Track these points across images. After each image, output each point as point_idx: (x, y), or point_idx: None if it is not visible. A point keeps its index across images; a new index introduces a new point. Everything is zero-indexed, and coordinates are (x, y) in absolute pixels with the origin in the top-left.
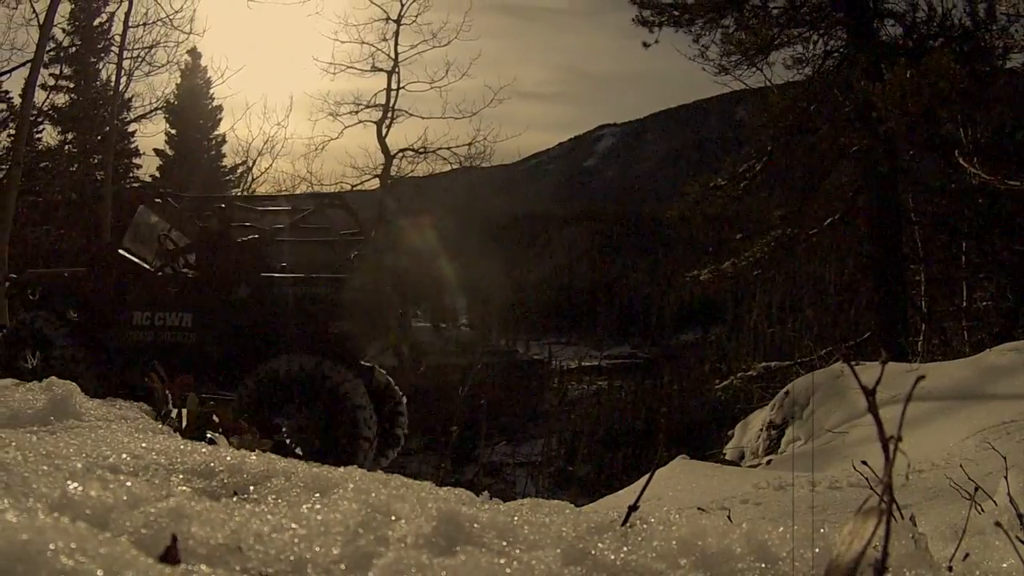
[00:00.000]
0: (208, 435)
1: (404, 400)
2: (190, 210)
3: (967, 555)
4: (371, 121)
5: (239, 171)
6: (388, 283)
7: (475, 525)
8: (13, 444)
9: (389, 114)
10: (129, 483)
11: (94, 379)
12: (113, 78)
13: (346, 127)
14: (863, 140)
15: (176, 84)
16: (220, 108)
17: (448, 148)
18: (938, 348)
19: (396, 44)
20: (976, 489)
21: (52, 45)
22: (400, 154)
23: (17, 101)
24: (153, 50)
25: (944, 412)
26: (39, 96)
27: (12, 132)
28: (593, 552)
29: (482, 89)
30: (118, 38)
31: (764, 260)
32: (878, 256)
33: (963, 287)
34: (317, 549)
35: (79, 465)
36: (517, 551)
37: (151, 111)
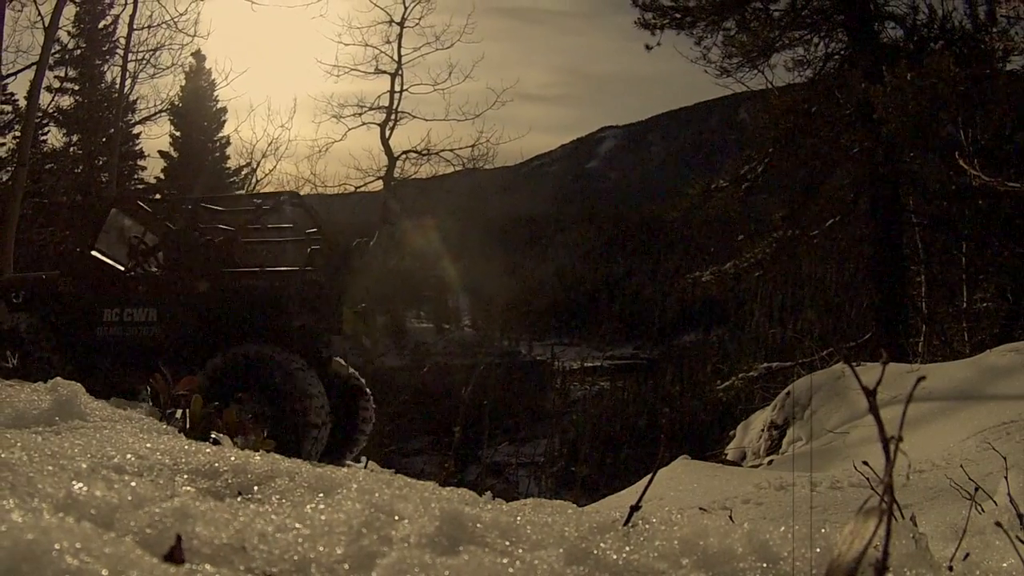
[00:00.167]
0: (212, 435)
1: (369, 394)
2: (160, 212)
3: (967, 555)
4: (374, 123)
5: (243, 173)
6: (345, 277)
7: (478, 525)
8: (19, 444)
9: (392, 116)
10: (134, 483)
11: (70, 376)
12: (118, 80)
13: (350, 129)
14: (864, 142)
15: (181, 86)
16: (224, 110)
17: (451, 150)
18: (938, 349)
19: (399, 46)
20: (976, 489)
21: (57, 48)
22: (403, 156)
23: (22, 103)
24: (158, 53)
25: (944, 412)
26: (44, 98)
27: (17, 134)
28: (595, 552)
29: (485, 91)
30: (123, 41)
31: (765, 261)
32: (879, 257)
33: (963, 288)
34: (321, 549)
35: (84, 465)
36: (520, 551)
37: (156, 113)
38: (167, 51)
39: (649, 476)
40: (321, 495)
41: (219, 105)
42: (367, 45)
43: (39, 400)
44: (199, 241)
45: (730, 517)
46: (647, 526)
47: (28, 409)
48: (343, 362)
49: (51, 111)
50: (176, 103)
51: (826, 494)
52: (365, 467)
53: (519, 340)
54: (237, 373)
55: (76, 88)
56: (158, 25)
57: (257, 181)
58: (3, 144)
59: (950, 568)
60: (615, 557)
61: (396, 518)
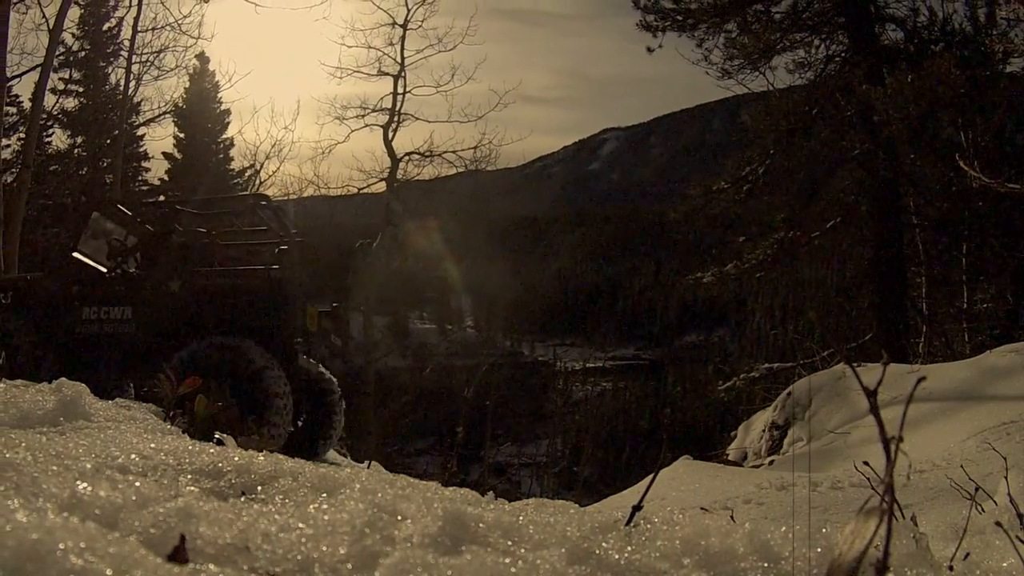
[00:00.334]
0: (216, 436)
1: (338, 392)
2: (140, 215)
3: (968, 554)
4: (377, 125)
5: (247, 175)
6: (311, 277)
7: (480, 525)
8: (23, 444)
9: (395, 118)
10: (138, 483)
11: (54, 373)
12: (122, 82)
13: (353, 131)
14: (864, 144)
15: (184, 88)
16: (228, 112)
17: (454, 152)
18: (939, 349)
19: (402, 49)
20: (976, 489)
21: (62, 50)
22: (406, 157)
23: (27, 105)
24: (162, 55)
25: (945, 413)
26: (49, 100)
27: (22, 136)
28: (597, 552)
29: (487, 93)
30: (127, 43)
31: (767, 262)
32: (879, 258)
33: (964, 289)
34: (324, 548)
35: (88, 465)
36: (522, 550)
37: (160, 115)
38: (171, 53)
39: (651, 476)
40: (324, 495)
41: (223, 107)
42: (370, 47)
43: (44, 401)
44: (174, 243)
45: (731, 517)
46: (649, 526)
47: (33, 409)
48: (312, 361)
49: (55, 113)
50: (180, 105)
51: (827, 494)
52: (368, 467)
53: (521, 341)
54: (201, 363)
55: (80, 90)
56: (162, 27)
57: (261, 182)
58: (8, 146)
59: (950, 568)
60: (617, 557)
61: (399, 518)
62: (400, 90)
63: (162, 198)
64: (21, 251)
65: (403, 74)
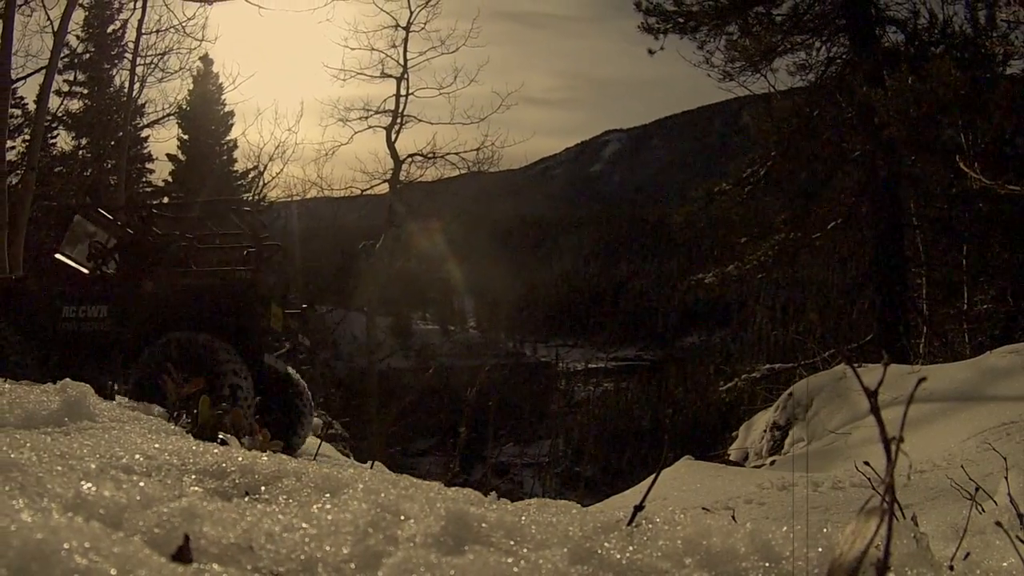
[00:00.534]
0: (220, 436)
1: (305, 391)
2: (119, 218)
3: (968, 554)
4: (380, 127)
5: (250, 176)
6: (278, 278)
7: (483, 525)
8: (28, 445)
9: (398, 120)
10: (142, 483)
11: (38, 369)
12: (126, 84)
13: (356, 132)
14: (865, 145)
15: (188, 90)
16: (232, 114)
17: (456, 153)
18: (939, 350)
19: (405, 51)
20: (977, 489)
21: (66, 52)
22: (409, 159)
23: (32, 107)
24: (166, 57)
25: (945, 413)
26: (53, 102)
27: (27, 137)
28: (599, 551)
29: (490, 95)
30: (131, 45)
31: (768, 263)
32: (880, 259)
33: (964, 290)
34: (327, 548)
35: (93, 466)
36: (525, 550)
37: (164, 117)
38: (175, 55)
39: (653, 476)
40: (327, 495)
41: (226, 109)
42: (373, 49)
43: (48, 401)
44: (150, 245)
45: (733, 517)
46: (651, 526)
47: (38, 410)
48: (276, 359)
49: (60, 115)
50: (184, 107)
51: (828, 494)
52: (371, 467)
53: (524, 341)
54: (169, 356)
55: (85, 92)
56: (166, 29)
57: (264, 184)
58: (13, 147)
59: (951, 567)
60: (619, 556)
61: (402, 518)
62: (403, 92)
63: (166, 200)
64: (25, 252)
65: (406, 76)
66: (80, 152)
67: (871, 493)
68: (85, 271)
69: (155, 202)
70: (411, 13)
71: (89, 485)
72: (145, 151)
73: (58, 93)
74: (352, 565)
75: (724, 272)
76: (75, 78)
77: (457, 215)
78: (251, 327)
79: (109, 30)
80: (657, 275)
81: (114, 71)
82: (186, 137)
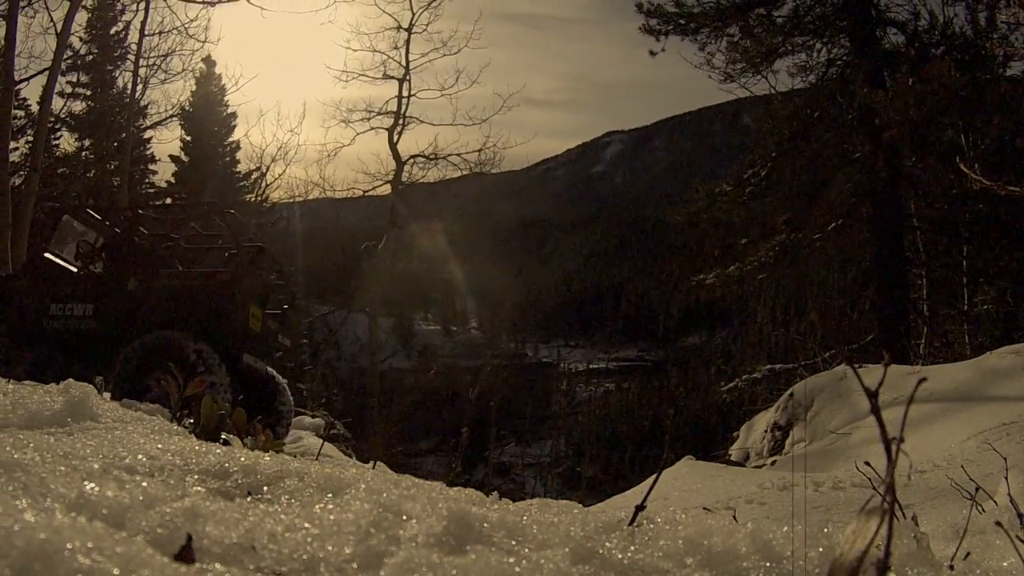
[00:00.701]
0: (223, 436)
1: (285, 389)
2: (108, 218)
3: (968, 554)
4: (383, 128)
5: (253, 177)
6: (257, 280)
7: (485, 525)
8: (31, 445)
9: (400, 121)
10: (145, 483)
11: (27, 365)
12: (129, 85)
13: (358, 134)
14: (866, 146)
15: (191, 91)
16: (234, 115)
17: (458, 154)
18: (939, 351)
19: (407, 52)
20: (977, 489)
21: (69, 53)
22: (411, 160)
23: (35, 108)
24: (168, 58)
25: (945, 413)
26: (57, 103)
27: (30, 138)
28: (601, 551)
29: (492, 96)
30: (134, 46)
31: (769, 264)
32: (881, 260)
33: (964, 291)
34: (330, 548)
35: (96, 466)
36: (526, 550)
37: (167, 118)
38: (178, 56)
39: (654, 476)
40: (330, 495)
41: (229, 110)
42: (375, 51)
43: (52, 401)
44: (135, 245)
45: (734, 517)
46: (652, 526)
47: (41, 410)
48: (256, 359)
49: (63, 116)
50: (187, 108)
51: (829, 494)
52: (373, 468)
53: (525, 342)
54: (147, 354)
55: (88, 93)
56: (169, 31)
57: (267, 185)
58: (16, 149)
59: (951, 567)
60: (620, 556)
61: (404, 518)
62: (405, 93)
63: (168, 200)
64: (29, 253)
65: (408, 77)
66: (83, 153)
67: (872, 493)
68: (73, 270)
69: (156, 202)
70: (413, 15)
71: (92, 485)
72: (148, 152)
73: (61, 94)
74: (354, 565)
75: (725, 273)
76: (78, 79)
77: (459, 216)
78: (229, 328)
79: (112, 31)
80: (658, 276)
81: (117, 73)
82: (189, 138)
